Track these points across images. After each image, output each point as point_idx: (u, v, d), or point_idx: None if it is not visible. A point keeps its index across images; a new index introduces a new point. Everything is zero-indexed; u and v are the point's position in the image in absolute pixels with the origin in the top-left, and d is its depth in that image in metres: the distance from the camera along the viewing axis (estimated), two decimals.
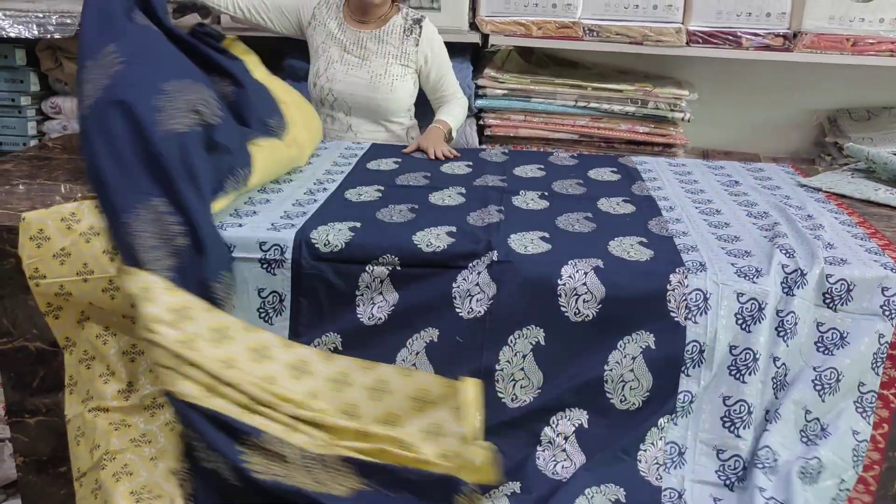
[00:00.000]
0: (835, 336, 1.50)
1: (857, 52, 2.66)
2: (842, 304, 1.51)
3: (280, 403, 1.38)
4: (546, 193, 1.90)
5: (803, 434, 1.45)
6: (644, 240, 1.63)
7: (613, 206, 1.84)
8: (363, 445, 1.35)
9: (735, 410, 1.43)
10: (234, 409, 1.35)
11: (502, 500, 1.37)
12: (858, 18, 2.63)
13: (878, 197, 1.98)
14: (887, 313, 1.50)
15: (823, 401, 1.48)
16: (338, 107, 2.41)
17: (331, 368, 1.48)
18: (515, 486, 1.39)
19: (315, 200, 1.78)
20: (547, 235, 1.63)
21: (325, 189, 1.87)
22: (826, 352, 1.50)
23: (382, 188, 1.88)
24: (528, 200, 1.84)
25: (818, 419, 1.47)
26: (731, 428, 1.42)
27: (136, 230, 1.43)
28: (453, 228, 1.63)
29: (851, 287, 1.51)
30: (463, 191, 1.88)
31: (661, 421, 1.44)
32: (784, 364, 1.47)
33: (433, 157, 2.15)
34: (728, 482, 1.39)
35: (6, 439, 2.33)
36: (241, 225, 1.63)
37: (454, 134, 2.39)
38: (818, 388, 1.48)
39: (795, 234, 1.68)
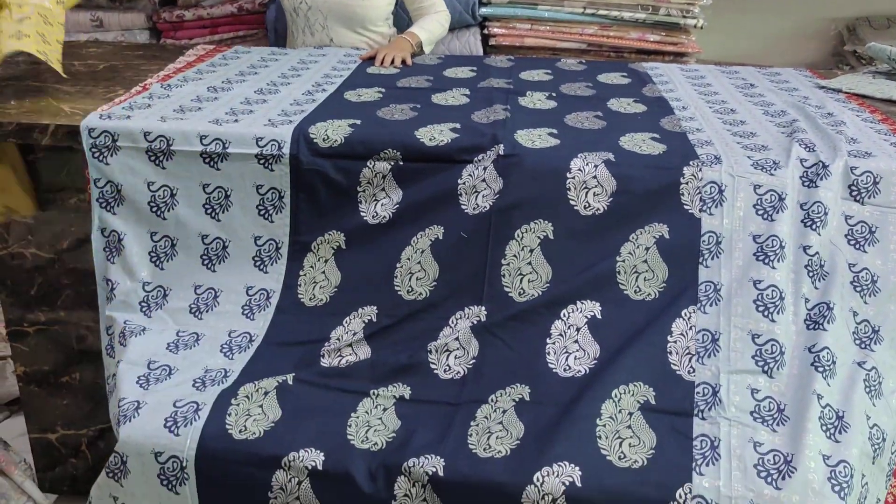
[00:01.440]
0: (864, 230, 1.44)
1: None
2: (869, 198, 1.45)
3: None
4: (554, 94, 1.83)
5: (856, 336, 1.40)
6: (656, 135, 1.57)
7: (624, 105, 1.77)
8: None
9: (767, 295, 1.36)
10: None
11: (508, 407, 1.32)
12: None
13: None
14: None
15: (866, 302, 1.42)
16: (313, 17, 2.29)
17: None
18: (524, 392, 1.34)
19: (314, 100, 1.72)
20: (555, 131, 1.57)
21: (324, 90, 1.80)
22: (857, 247, 1.44)
23: (383, 90, 1.81)
24: (535, 101, 1.78)
25: (867, 321, 1.41)
26: (766, 312, 1.36)
27: None
28: (457, 125, 1.57)
29: (878, 179, 1.45)
30: (467, 92, 1.82)
31: (686, 311, 1.38)
32: (818, 254, 1.41)
33: (380, 64, 2.05)
34: (766, 368, 1.32)
35: (7, 357, 2.31)
36: (236, 121, 1.57)
37: (426, 48, 2.28)
38: (858, 289, 1.42)
39: (815, 129, 1.62)
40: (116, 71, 1.96)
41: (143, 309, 1.53)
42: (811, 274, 1.40)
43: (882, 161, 1.47)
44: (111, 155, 1.52)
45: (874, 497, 1.30)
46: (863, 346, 1.38)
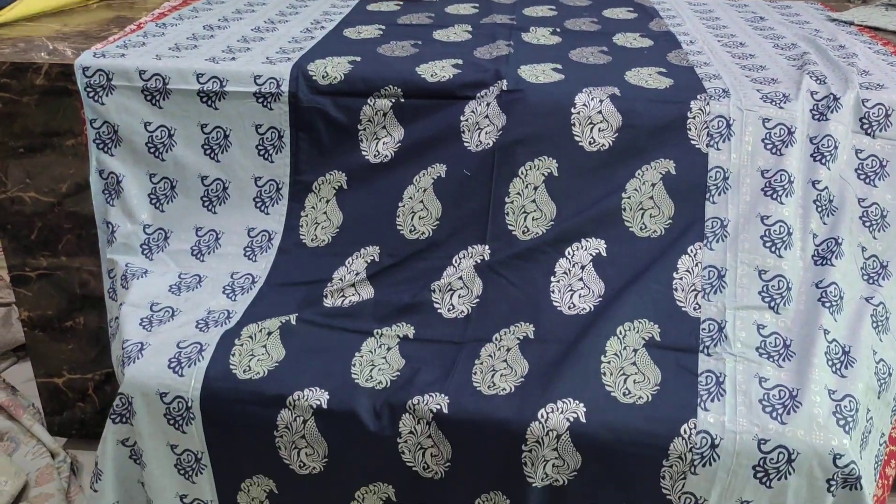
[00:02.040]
0: (874, 163, 1.42)
1: None
2: (880, 131, 1.42)
3: None
4: (558, 30, 1.79)
5: (864, 272, 1.38)
6: (663, 70, 1.54)
7: (630, 40, 1.73)
8: None
9: (775, 231, 1.34)
10: None
11: (513, 345, 1.31)
12: None
13: None
14: None
15: (875, 238, 1.40)
16: None
17: None
18: (529, 330, 1.33)
19: (312, 38, 1.68)
20: (559, 66, 1.54)
21: (322, 27, 1.76)
22: (867, 181, 1.42)
23: (383, 27, 1.77)
24: (539, 36, 1.73)
25: (876, 256, 1.39)
26: (773, 248, 1.34)
27: None
28: (459, 61, 1.53)
29: (890, 112, 1.41)
30: (469, 28, 1.78)
31: (692, 248, 1.36)
32: (827, 188, 1.38)
33: None
34: (773, 304, 1.31)
35: (12, 303, 2.32)
36: (233, 59, 1.53)
37: None
38: (867, 224, 1.40)
39: (826, 61, 1.58)
40: (111, 9, 1.92)
41: (145, 251, 1.52)
42: (820, 209, 1.38)
43: (894, 93, 1.44)
44: (106, 94, 1.49)
45: (878, 432, 1.30)
46: (871, 281, 1.37)
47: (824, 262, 1.34)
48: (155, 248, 1.52)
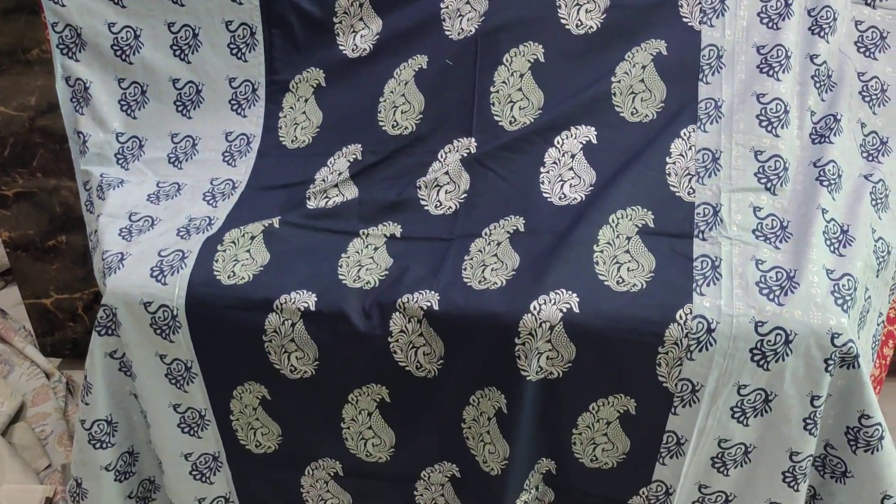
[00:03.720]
0: (874, 35, 1.35)
1: None
2: (881, 0, 1.35)
3: None
4: None
5: (863, 149, 1.33)
6: None
7: None
8: None
9: (771, 109, 1.29)
10: None
11: (503, 239, 1.28)
12: None
13: None
14: None
15: (875, 113, 1.34)
16: None
17: None
18: (519, 223, 1.29)
19: None
20: None
21: None
22: (867, 54, 1.35)
23: None
24: None
25: (875, 132, 1.34)
26: (769, 127, 1.29)
27: None
28: None
29: None
30: None
31: (685, 131, 1.31)
32: (825, 63, 1.32)
33: None
34: (769, 185, 1.27)
35: None
36: None
37: None
38: (867, 99, 1.34)
39: None
40: None
41: (120, 161, 1.47)
42: (818, 85, 1.32)
43: None
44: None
45: (876, 311, 1.28)
46: (870, 158, 1.32)
47: (822, 139, 1.29)
48: (130, 157, 1.47)
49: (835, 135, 1.28)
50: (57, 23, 1.42)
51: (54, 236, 1.84)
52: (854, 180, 1.29)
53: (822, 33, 1.32)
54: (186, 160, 1.46)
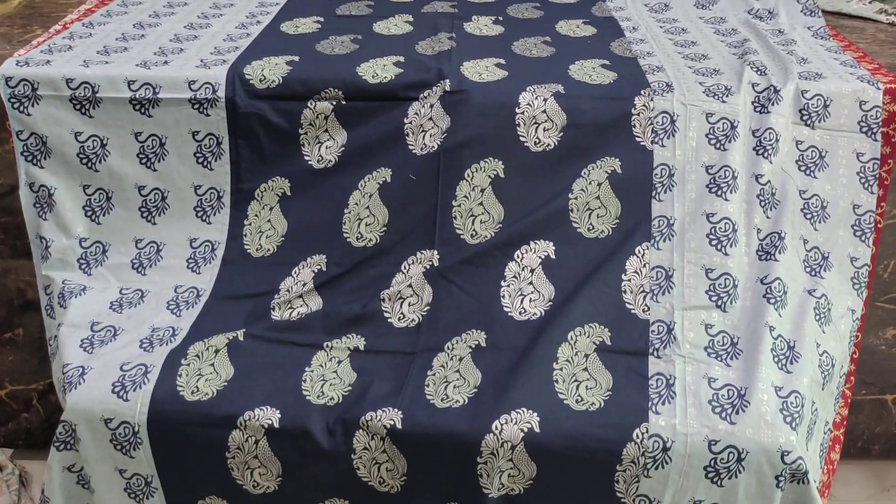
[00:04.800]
0: (814, 154, 1.43)
1: None
2: (819, 121, 1.43)
3: None
4: (500, 18, 1.76)
5: (806, 264, 1.40)
6: (607, 62, 1.53)
7: (573, 28, 1.71)
8: None
9: (720, 228, 1.35)
10: None
11: (465, 354, 1.30)
12: None
13: (850, 9, 1.88)
14: (864, 129, 1.42)
15: (816, 229, 1.42)
16: None
17: None
18: (480, 338, 1.32)
19: (248, 34, 1.63)
20: (503, 62, 1.51)
21: (258, 22, 1.71)
22: (808, 172, 1.43)
23: (321, 19, 1.73)
24: (482, 26, 1.71)
25: (817, 248, 1.41)
26: (719, 246, 1.35)
27: None
28: (401, 58, 1.50)
29: (828, 102, 1.43)
30: (410, 19, 1.74)
31: (639, 248, 1.36)
32: (770, 182, 1.39)
33: None
34: (720, 303, 1.32)
35: None
36: (166, 62, 1.48)
37: None
38: (808, 216, 1.42)
39: (767, 49, 1.58)
40: (34, 7, 1.82)
41: (83, 266, 1.47)
42: (763, 203, 1.39)
43: (832, 83, 1.45)
44: (32, 105, 1.42)
45: (823, 420, 1.33)
46: (813, 273, 1.39)
47: (768, 257, 1.35)
48: (93, 263, 1.47)
49: (780, 252, 1.35)
50: (22, 131, 1.43)
51: (11, 328, 1.82)
52: (799, 295, 1.35)
53: (765, 153, 1.40)
54: (150, 266, 1.47)
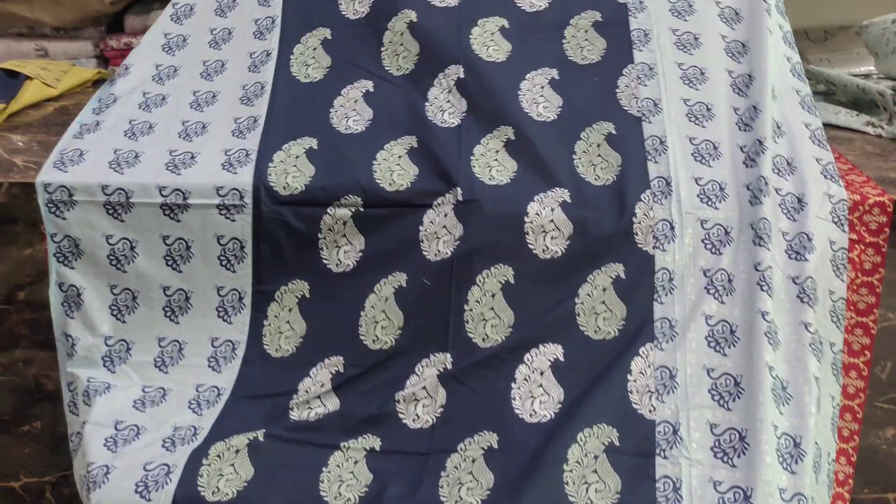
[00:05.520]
0: (802, 240, 1.47)
1: None
2: (797, 213, 1.48)
3: None
4: (507, 26, 1.76)
5: (813, 347, 1.42)
6: (613, 131, 1.58)
7: (581, 43, 1.74)
8: None
9: (718, 330, 1.42)
10: None
11: (478, 456, 1.34)
12: None
13: (839, 120, 1.97)
14: (836, 220, 1.48)
15: (815, 311, 1.44)
16: None
17: None
18: (492, 440, 1.36)
19: (263, 90, 1.70)
20: (514, 165, 1.56)
21: (263, 71, 1.76)
22: (797, 258, 1.47)
23: (330, 61, 1.76)
24: (489, 44, 1.72)
25: (818, 332, 1.43)
26: (717, 348, 1.41)
27: None
28: (413, 141, 1.57)
29: (801, 198, 1.48)
30: (418, 50, 1.73)
31: (643, 349, 1.41)
32: (770, 267, 1.42)
33: None
34: (722, 402, 1.36)
35: None
36: (193, 157, 1.55)
37: None
38: (804, 300, 1.44)
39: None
40: (68, 113, 1.92)
41: (107, 363, 1.52)
42: (764, 288, 1.41)
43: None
44: (68, 209, 1.50)
45: None
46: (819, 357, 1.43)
47: (772, 344, 1.40)
48: (117, 360, 1.53)
49: (776, 347, 1.40)
50: (56, 234, 1.51)
51: (28, 420, 1.85)
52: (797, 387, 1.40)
53: (761, 243, 1.44)
54: (172, 364, 1.52)
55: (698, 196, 1.50)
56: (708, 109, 1.68)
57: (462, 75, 1.65)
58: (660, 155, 1.55)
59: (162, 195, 1.50)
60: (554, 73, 1.71)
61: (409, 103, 1.67)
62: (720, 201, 1.50)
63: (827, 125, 1.96)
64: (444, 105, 1.65)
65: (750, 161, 1.54)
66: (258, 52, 1.81)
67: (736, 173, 1.53)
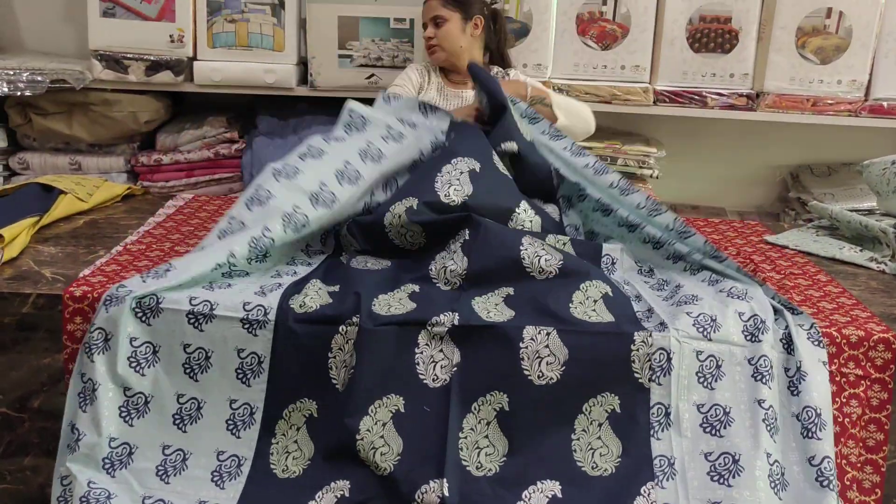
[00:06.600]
0: (800, 374, 1.53)
1: (817, 112, 2.75)
2: (791, 353, 1.55)
3: None
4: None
5: (819, 477, 1.45)
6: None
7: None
8: None
9: (720, 464, 1.42)
10: None
11: None
12: (818, 80, 2.73)
13: (843, 255, 2.03)
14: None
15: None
16: None
17: None
18: None
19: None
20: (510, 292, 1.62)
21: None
22: (794, 392, 1.52)
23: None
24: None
25: (827, 458, 1.46)
26: (721, 480, 1.41)
27: None
28: (414, 305, 1.60)
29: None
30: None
31: (645, 488, 1.42)
32: (772, 407, 1.48)
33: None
34: None
35: None
36: (230, 285, 1.61)
37: (558, 114, 2.29)
38: (803, 433, 1.49)
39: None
40: (97, 227, 2.00)
41: (107, 466, 1.50)
42: (769, 428, 1.46)
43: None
44: (107, 309, 1.53)
45: None
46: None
47: (776, 486, 1.41)
48: (118, 465, 1.50)
49: (783, 475, 1.41)
50: (92, 324, 1.53)
51: None
52: None
53: (763, 380, 1.48)
54: (175, 475, 1.51)
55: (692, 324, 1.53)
56: None
57: None
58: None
59: (191, 304, 1.54)
60: None
61: None
62: (716, 331, 1.53)
63: (832, 259, 2.01)
64: None
65: None
66: None
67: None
